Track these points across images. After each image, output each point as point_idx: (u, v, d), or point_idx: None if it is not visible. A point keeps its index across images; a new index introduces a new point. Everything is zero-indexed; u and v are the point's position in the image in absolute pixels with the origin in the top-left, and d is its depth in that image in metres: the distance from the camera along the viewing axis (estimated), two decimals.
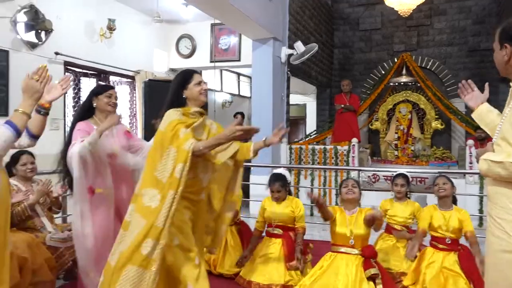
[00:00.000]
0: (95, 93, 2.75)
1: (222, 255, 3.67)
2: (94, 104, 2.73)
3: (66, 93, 2.58)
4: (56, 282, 3.03)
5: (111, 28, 6.44)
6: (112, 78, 6.85)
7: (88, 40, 6.25)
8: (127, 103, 7.21)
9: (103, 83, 2.91)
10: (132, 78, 7.17)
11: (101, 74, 6.54)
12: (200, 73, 2.50)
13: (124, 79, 7.11)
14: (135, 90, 7.21)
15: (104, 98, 2.73)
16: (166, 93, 5.65)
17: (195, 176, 2.28)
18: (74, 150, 2.51)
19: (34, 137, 2.25)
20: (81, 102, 2.83)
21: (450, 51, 8.80)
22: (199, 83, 2.37)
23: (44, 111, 2.27)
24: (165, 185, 2.13)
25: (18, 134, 1.83)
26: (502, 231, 1.63)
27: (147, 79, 5.52)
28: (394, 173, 3.90)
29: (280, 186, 3.51)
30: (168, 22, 7.85)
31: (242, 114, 7.33)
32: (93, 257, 2.53)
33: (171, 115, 2.24)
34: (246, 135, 2.18)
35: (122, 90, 7.12)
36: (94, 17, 6.30)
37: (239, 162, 2.55)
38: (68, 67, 5.92)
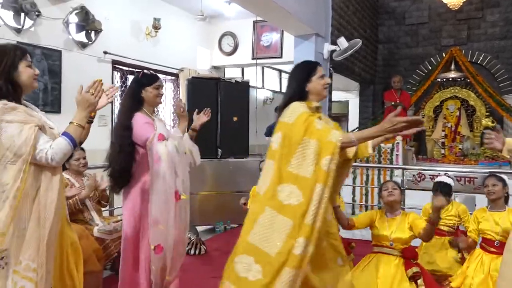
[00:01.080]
0: (143, 84, 2.64)
1: None
2: (142, 96, 2.63)
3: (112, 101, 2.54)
4: (103, 272, 3.16)
5: (156, 27, 6.60)
6: None
7: (134, 39, 6.44)
8: (171, 100, 7.38)
9: (148, 73, 2.80)
10: (176, 75, 7.32)
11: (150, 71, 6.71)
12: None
13: (168, 77, 7.27)
14: (178, 87, 7.36)
15: (152, 90, 2.63)
16: (209, 90, 5.65)
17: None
18: (164, 149, 2.43)
19: (75, 145, 2.28)
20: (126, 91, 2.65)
21: (504, 44, 8.36)
22: (322, 76, 2.27)
23: (90, 120, 2.22)
24: (309, 180, 1.98)
25: (75, 146, 1.90)
26: None
27: (191, 77, 5.61)
28: (442, 173, 3.77)
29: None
30: (211, 19, 7.95)
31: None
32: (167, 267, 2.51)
33: (298, 107, 2.14)
34: (409, 127, 1.90)
35: (166, 88, 7.29)
36: (140, 17, 6.49)
37: (352, 160, 2.33)
38: (116, 66, 6.13)
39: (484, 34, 8.50)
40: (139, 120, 2.54)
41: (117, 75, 6.27)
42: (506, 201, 3.19)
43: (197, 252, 4.14)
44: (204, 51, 8.14)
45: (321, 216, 1.98)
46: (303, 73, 2.29)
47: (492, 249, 3.03)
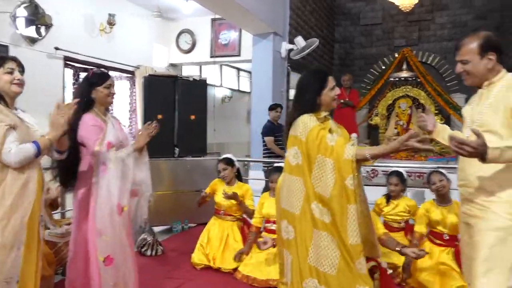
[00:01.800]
0: (93, 84, 2.54)
1: (222, 250, 3.70)
2: (93, 96, 2.54)
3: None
4: (54, 277, 3.05)
5: (111, 23, 6.43)
6: (111, 73, 6.79)
7: (88, 35, 6.24)
8: (127, 98, 7.21)
9: (98, 71, 2.68)
10: (132, 73, 7.16)
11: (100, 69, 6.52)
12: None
13: (124, 74, 7.10)
14: (135, 85, 7.20)
15: (103, 89, 2.54)
16: (166, 88, 5.57)
17: None
18: (110, 159, 2.38)
19: (61, 153, 2.32)
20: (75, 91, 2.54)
21: (451, 46, 8.74)
22: (333, 87, 2.24)
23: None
24: (333, 200, 2.03)
25: (39, 154, 2.06)
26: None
27: (147, 74, 5.50)
28: (393, 169, 3.90)
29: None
30: (168, 17, 7.83)
31: (280, 106, 6.94)
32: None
33: (308, 122, 2.13)
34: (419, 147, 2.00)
35: (122, 85, 7.12)
36: (94, 12, 6.29)
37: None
38: (68, 62, 5.91)
39: (433, 36, 8.88)
40: (86, 122, 2.45)
41: (69, 72, 6.06)
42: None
43: (153, 253, 4.07)
44: (161, 48, 8.01)
45: (356, 233, 2.04)
46: (315, 84, 2.24)
47: (441, 242, 3.17)
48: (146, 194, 2.69)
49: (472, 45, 1.97)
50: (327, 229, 2.06)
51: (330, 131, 2.16)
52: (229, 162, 3.89)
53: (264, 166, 5.78)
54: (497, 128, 1.86)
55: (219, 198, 3.90)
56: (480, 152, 1.70)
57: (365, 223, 2.16)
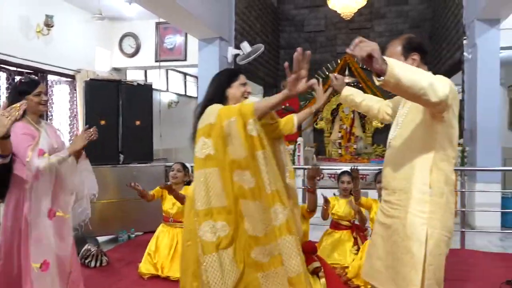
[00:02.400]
0: (22, 93, 2.48)
1: (171, 258, 3.63)
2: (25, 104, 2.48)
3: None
4: None
5: (49, 25, 6.13)
6: (50, 78, 6.53)
7: (23, 37, 5.91)
8: (67, 103, 6.91)
9: (27, 79, 2.62)
10: (73, 77, 6.87)
11: (38, 73, 6.20)
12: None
13: (64, 79, 6.80)
14: (75, 90, 6.91)
15: (33, 97, 2.48)
16: (109, 93, 5.45)
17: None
18: (42, 165, 2.33)
19: (3, 157, 2.27)
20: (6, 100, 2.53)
21: None
22: (244, 84, 2.24)
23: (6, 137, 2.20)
24: (246, 157, 1.93)
25: None
26: None
27: (89, 79, 5.30)
28: (339, 171, 4.02)
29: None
30: (110, 19, 7.61)
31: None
32: None
33: (216, 107, 2.07)
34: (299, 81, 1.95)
35: (61, 90, 6.81)
36: (30, 13, 5.97)
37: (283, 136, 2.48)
38: (1, 66, 5.56)
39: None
40: (17, 131, 2.38)
41: (3, 76, 5.70)
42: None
43: (98, 264, 3.91)
44: (104, 52, 7.76)
45: (278, 178, 1.99)
46: (224, 77, 2.26)
47: None
48: (87, 196, 2.72)
49: (396, 47, 2.06)
50: (253, 196, 1.96)
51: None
52: (185, 167, 3.93)
53: None
54: (416, 129, 1.92)
55: (167, 205, 3.83)
56: (380, 57, 1.60)
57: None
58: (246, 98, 2.23)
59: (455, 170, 5.63)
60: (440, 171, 1.88)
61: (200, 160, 2.02)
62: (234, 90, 2.21)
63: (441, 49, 7.77)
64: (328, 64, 9.28)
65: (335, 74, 2.58)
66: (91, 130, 2.63)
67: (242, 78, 2.25)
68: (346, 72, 8.58)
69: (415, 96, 1.65)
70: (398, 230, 1.91)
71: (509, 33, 5.89)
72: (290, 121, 2.61)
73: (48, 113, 6.34)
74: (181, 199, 3.56)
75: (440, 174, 1.88)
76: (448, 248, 1.92)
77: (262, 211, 1.96)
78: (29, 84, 2.52)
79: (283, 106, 6.98)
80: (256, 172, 1.96)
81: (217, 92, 2.21)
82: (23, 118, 2.46)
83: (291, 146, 6.46)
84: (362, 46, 1.60)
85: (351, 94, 2.52)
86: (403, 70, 1.60)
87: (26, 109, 2.43)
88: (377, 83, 1.64)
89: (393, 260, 1.93)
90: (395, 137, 2.02)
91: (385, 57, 1.61)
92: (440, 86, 1.66)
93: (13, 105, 2.09)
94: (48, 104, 2.49)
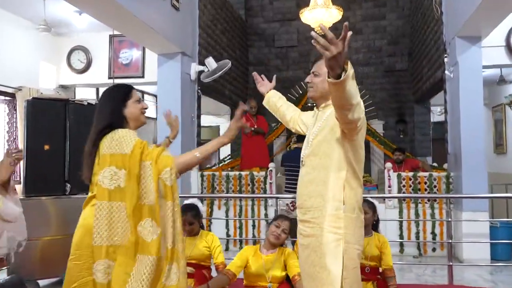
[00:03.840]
0: None
1: None
2: None
3: None
4: None
5: None
6: None
7: None
8: (5, 125, 6.70)
9: None
10: (12, 95, 6.70)
11: None
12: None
13: (2, 97, 6.62)
14: (15, 110, 6.73)
15: None
16: (55, 114, 5.31)
17: None
18: None
19: None
20: None
21: (367, 71, 9.49)
22: (139, 100, 2.28)
23: None
24: (155, 204, 2.01)
25: None
26: None
27: (31, 97, 5.17)
28: None
29: (192, 217, 3.44)
30: (57, 31, 7.51)
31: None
32: None
33: (130, 135, 2.10)
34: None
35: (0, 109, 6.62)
36: None
37: None
38: None
39: (348, 60, 9.53)
40: None
41: None
42: (376, 227, 3.53)
43: None
44: (49, 67, 7.62)
45: (180, 237, 2.08)
46: (118, 95, 2.27)
47: (362, 276, 3.31)
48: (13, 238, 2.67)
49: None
50: (149, 250, 2.00)
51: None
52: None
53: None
54: (329, 148, 2.15)
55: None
56: (342, 59, 1.79)
57: None
58: (143, 114, 2.31)
59: (441, 197, 5.78)
60: (351, 188, 2.13)
61: (106, 191, 2.04)
62: (130, 109, 2.24)
63: (422, 66, 8.06)
64: (302, 82, 9.44)
65: (257, 75, 2.86)
66: (13, 150, 2.54)
67: (135, 94, 2.30)
68: None
69: (342, 106, 1.91)
70: (315, 248, 2.10)
71: (491, 51, 6.19)
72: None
73: None
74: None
75: (352, 190, 2.13)
76: (359, 261, 2.15)
77: (155, 267, 2.00)
78: None
79: (252, 128, 7.00)
80: (161, 223, 2.03)
81: (114, 112, 2.21)
82: None
83: (262, 173, 6.47)
84: (336, 44, 1.77)
85: (274, 97, 2.80)
86: (353, 81, 1.87)
87: None
88: (327, 80, 1.84)
89: (312, 281, 2.11)
90: (308, 155, 2.24)
91: (348, 63, 1.84)
92: (360, 109, 1.98)
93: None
94: None
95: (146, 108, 2.30)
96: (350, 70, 1.82)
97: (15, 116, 6.75)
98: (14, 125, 6.75)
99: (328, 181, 2.12)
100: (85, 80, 7.87)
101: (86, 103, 5.16)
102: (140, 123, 2.29)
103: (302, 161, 2.28)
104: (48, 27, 6.68)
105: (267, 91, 2.81)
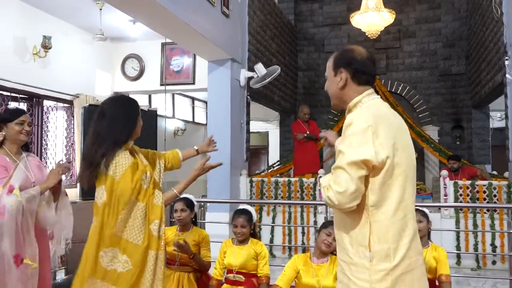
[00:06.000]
0: (3, 120, 2.63)
1: None
2: (3, 133, 2.62)
3: None
4: None
5: (46, 46, 6.31)
6: (46, 103, 6.67)
7: (18, 60, 6.09)
8: (64, 131, 7.02)
9: (13, 107, 2.92)
10: (70, 102, 7.01)
11: (33, 98, 6.36)
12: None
13: (61, 104, 6.94)
14: (73, 116, 7.04)
15: (15, 126, 2.62)
16: None
17: None
18: (12, 202, 2.38)
19: None
20: None
21: (421, 75, 9.22)
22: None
23: None
24: (139, 247, 2.10)
25: None
26: (343, 275, 1.77)
27: (87, 104, 5.42)
28: None
29: (245, 221, 3.48)
30: (112, 40, 7.80)
31: None
32: None
33: (123, 160, 2.16)
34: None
35: (58, 117, 6.94)
36: (27, 34, 6.17)
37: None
38: None
39: (402, 64, 9.33)
40: None
41: None
42: (429, 236, 3.41)
43: None
44: (105, 75, 7.93)
45: (160, 282, 2.13)
46: (132, 113, 2.31)
47: None
48: (63, 238, 2.76)
49: (330, 60, 1.96)
50: (113, 280, 2.07)
51: (138, 166, 2.20)
52: (189, 204, 3.74)
53: None
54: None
55: (171, 248, 3.78)
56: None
57: None
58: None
59: (501, 207, 5.50)
60: (377, 222, 1.73)
61: (97, 207, 2.19)
62: (138, 128, 2.34)
63: (480, 70, 7.75)
64: None
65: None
66: (64, 163, 2.72)
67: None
68: None
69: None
70: None
71: None
72: (177, 157, 2.83)
73: (43, 141, 6.45)
74: (204, 267, 3.49)
75: (379, 226, 1.73)
76: None
77: None
78: (13, 112, 2.70)
79: (305, 135, 7.02)
80: (137, 265, 2.09)
81: (125, 132, 2.24)
82: (0, 149, 2.58)
83: (312, 179, 6.41)
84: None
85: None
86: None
87: (5, 138, 2.61)
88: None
89: None
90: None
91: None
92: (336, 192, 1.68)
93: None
94: (32, 134, 2.61)
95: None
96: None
97: (72, 122, 7.06)
98: (72, 131, 7.06)
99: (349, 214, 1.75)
100: (138, 87, 8.11)
101: None
102: (137, 135, 2.36)
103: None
104: (103, 36, 6.96)
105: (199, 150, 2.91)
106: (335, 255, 3.14)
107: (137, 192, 2.12)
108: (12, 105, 5.98)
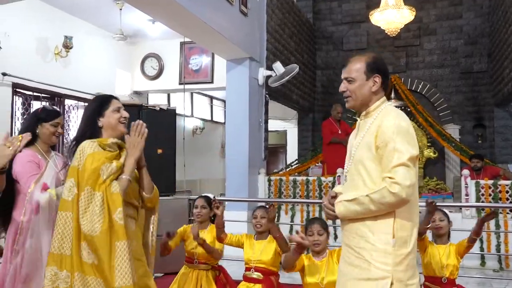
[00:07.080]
0: (40, 119, 2.66)
1: None
2: (37, 131, 2.64)
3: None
4: None
5: (67, 46, 6.41)
6: (67, 102, 6.78)
7: (40, 59, 6.19)
8: None
9: (50, 108, 2.88)
10: None
11: (55, 98, 6.46)
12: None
13: (82, 103, 7.03)
14: None
15: (50, 127, 2.65)
16: (130, 119, 5.55)
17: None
18: (45, 200, 2.41)
19: None
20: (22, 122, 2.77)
21: (442, 73, 9.09)
22: (118, 109, 2.30)
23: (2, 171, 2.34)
24: (103, 237, 2.04)
25: None
26: (362, 260, 1.92)
27: None
28: None
29: (265, 212, 3.48)
30: (132, 39, 7.88)
31: None
32: None
33: (86, 149, 2.13)
34: None
35: (79, 115, 7.04)
36: (48, 34, 6.28)
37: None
38: (17, 90, 5.83)
39: (422, 62, 9.21)
40: (23, 157, 2.50)
41: (19, 100, 5.96)
42: (448, 236, 3.37)
43: None
44: (124, 74, 8.01)
45: (134, 271, 2.06)
46: (94, 105, 2.32)
47: (438, 287, 3.16)
48: None
49: (360, 63, 2.04)
50: (93, 272, 2.04)
51: (101, 156, 2.15)
52: (210, 201, 3.73)
53: None
54: (367, 163, 1.95)
55: (191, 245, 3.80)
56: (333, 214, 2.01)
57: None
58: (123, 123, 2.30)
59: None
60: (401, 217, 1.92)
61: (63, 201, 2.13)
62: (108, 119, 2.26)
63: (503, 67, 7.60)
64: None
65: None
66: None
67: (115, 103, 2.32)
68: (392, 95, 8.49)
69: (377, 212, 1.88)
70: (352, 279, 1.96)
71: None
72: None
73: (64, 140, 6.55)
74: (212, 252, 3.52)
75: (402, 219, 1.93)
76: None
77: None
78: (49, 113, 2.72)
79: (343, 142, 6.92)
80: (105, 255, 2.03)
81: (88, 122, 2.27)
82: (32, 146, 2.60)
83: (330, 178, 6.38)
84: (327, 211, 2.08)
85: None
86: (350, 211, 1.94)
87: (39, 136, 2.64)
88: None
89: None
90: (350, 171, 2.05)
91: (335, 209, 2.01)
92: (379, 196, 1.84)
93: (15, 136, 2.25)
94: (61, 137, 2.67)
95: (125, 117, 2.31)
96: (338, 207, 1.99)
97: None
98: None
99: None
100: (157, 86, 8.18)
101: (158, 108, 5.38)
102: (118, 132, 2.29)
103: (345, 175, 2.10)
104: (123, 36, 7.03)
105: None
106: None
107: (93, 181, 2.07)
108: (35, 104, 6.09)
